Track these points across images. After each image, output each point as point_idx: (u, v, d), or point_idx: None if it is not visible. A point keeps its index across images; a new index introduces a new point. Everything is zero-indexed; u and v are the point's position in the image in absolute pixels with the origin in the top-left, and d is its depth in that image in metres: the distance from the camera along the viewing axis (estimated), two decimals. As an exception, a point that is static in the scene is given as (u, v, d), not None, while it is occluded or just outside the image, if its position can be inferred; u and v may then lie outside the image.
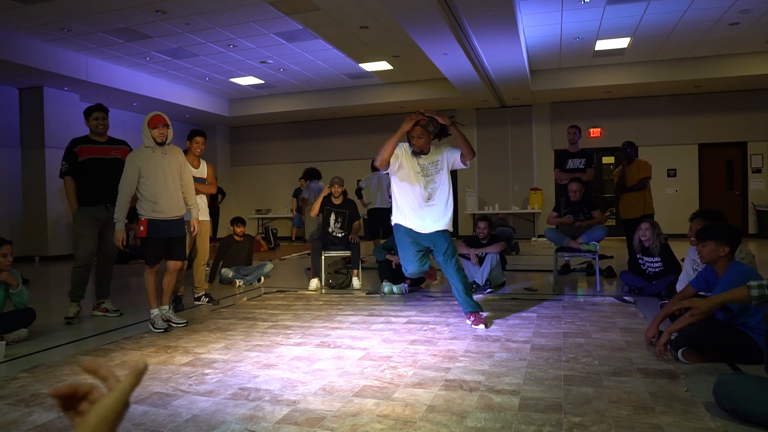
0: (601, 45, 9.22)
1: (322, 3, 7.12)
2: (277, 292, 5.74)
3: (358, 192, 8.59)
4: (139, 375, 0.71)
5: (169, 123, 4.11)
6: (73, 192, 4.53)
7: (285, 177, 14.22)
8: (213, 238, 7.09)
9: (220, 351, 3.37)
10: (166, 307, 4.18)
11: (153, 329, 3.98)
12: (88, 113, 4.65)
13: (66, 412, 0.70)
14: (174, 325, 4.13)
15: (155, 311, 4.03)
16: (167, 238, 4.05)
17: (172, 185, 4.07)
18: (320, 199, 6.01)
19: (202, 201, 5.07)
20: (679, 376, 2.65)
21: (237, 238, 6.51)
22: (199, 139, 4.93)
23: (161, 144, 4.04)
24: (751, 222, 11.33)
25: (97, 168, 4.55)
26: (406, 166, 3.94)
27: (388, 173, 4.05)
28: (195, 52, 9.24)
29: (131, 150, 4.73)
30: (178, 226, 4.12)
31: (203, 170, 5.04)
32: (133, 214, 4.11)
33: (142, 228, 3.97)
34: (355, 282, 5.87)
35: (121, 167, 4.59)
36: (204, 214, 5.04)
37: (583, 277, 6.38)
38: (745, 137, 11.38)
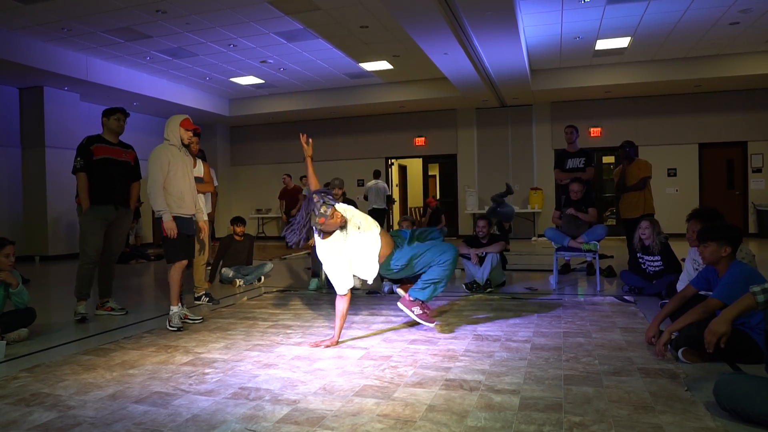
0: (602, 45, 9.22)
1: (323, 2, 7.12)
2: (277, 291, 5.74)
3: (366, 198, 10.98)
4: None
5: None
6: (87, 189, 4.49)
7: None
8: (213, 238, 7.08)
9: (220, 350, 3.37)
10: (177, 305, 4.25)
11: (168, 327, 3.97)
12: (110, 112, 4.65)
13: None
14: (190, 322, 4.19)
15: (175, 309, 4.04)
16: (187, 235, 4.16)
17: (193, 184, 4.21)
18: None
19: (200, 200, 5.06)
20: (679, 375, 2.66)
21: (237, 237, 6.51)
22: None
23: (185, 146, 4.19)
24: (752, 222, 11.33)
25: (110, 168, 4.56)
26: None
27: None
28: (195, 51, 9.24)
29: (136, 155, 4.82)
30: (193, 225, 4.26)
31: (200, 169, 5.06)
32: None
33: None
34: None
35: (130, 171, 4.71)
36: (203, 214, 5.04)
37: (583, 276, 6.38)
38: (745, 137, 11.38)
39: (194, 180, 4.34)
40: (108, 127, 4.65)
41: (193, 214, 4.26)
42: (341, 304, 3.47)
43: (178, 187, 4.05)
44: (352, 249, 3.52)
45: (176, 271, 4.08)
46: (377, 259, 3.59)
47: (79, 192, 4.53)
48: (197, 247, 4.92)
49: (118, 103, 11.20)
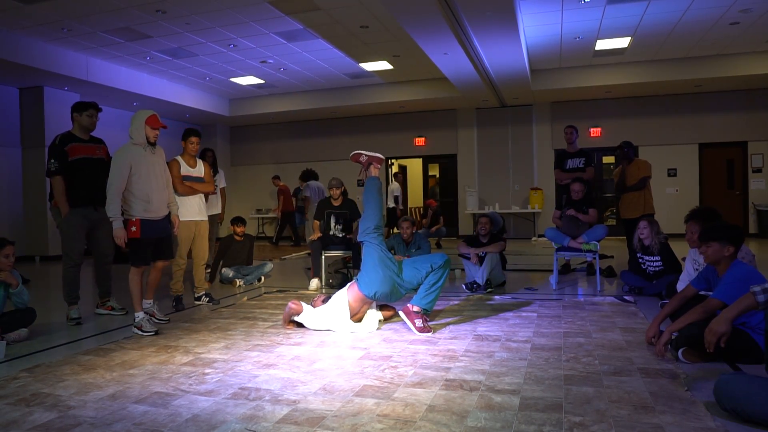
0: (602, 45, 9.22)
1: (322, 3, 7.12)
2: (277, 292, 5.74)
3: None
4: None
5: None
6: (65, 193, 4.33)
7: (285, 177, 14.20)
8: (217, 238, 7.09)
9: (220, 351, 3.37)
10: (151, 301, 4.15)
11: (140, 332, 3.84)
12: (82, 108, 4.45)
13: None
14: (156, 321, 4.10)
15: (141, 314, 3.92)
16: (158, 238, 4.05)
17: (162, 184, 4.07)
18: (317, 231, 5.95)
19: (201, 201, 5.05)
20: (679, 375, 2.65)
21: (237, 237, 6.51)
22: (193, 138, 4.90)
23: (152, 144, 4.03)
24: (752, 222, 11.33)
25: (87, 168, 4.41)
26: None
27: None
28: (195, 51, 9.24)
29: (108, 149, 4.68)
30: (166, 226, 4.14)
31: (200, 169, 5.02)
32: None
33: (134, 229, 3.87)
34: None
35: (106, 167, 4.45)
36: (203, 214, 5.04)
37: (583, 276, 6.38)
38: (745, 137, 11.38)
39: (168, 179, 4.20)
40: (80, 123, 4.48)
41: (165, 216, 4.11)
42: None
43: (143, 189, 3.90)
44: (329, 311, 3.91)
45: (134, 275, 3.96)
46: (348, 310, 3.83)
47: (57, 196, 4.34)
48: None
49: (119, 104, 11.25)
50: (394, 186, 12.07)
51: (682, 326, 2.90)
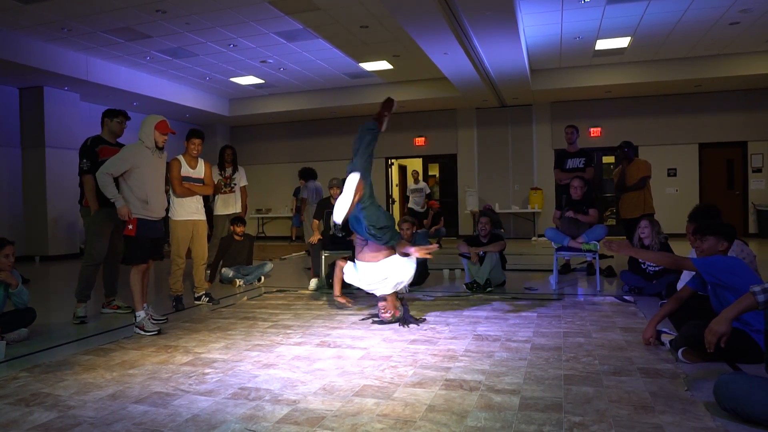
0: (601, 45, 9.21)
1: (322, 2, 7.12)
2: (277, 291, 5.74)
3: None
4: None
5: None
6: (95, 192, 4.44)
7: (285, 177, 14.22)
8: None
9: (220, 351, 3.37)
10: (145, 304, 4.13)
11: (142, 332, 3.86)
12: (113, 114, 4.66)
13: None
14: (155, 321, 4.10)
15: (142, 314, 3.93)
16: (153, 238, 4.12)
17: (162, 187, 4.21)
18: (317, 233, 5.95)
19: (199, 201, 5.04)
20: (679, 375, 2.66)
21: (237, 237, 6.52)
22: (196, 140, 4.93)
23: (159, 148, 4.18)
24: (751, 222, 11.32)
25: None
26: None
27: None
28: (195, 51, 9.24)
29: None
30: (160, 227, 4.25)
31: (201, 170, 5.01)
32: None
33: (131, 227, 3.95)
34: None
35: None
36: (201, 213, 5.03)
37: (583, 276, 6.38)
38: (745, 137, 11.38)
39: (164, 181, 4.35)
40: (109, 128, 4.67)
41: (161, 218, 4.22)
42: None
43: (143, 189, 4.02)
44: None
45: (135, 274, 4.01)
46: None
47: (87, 194, 4.50)
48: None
49: (118, 104, 11.22)
50: (422, 185, 11.98)
51: (667, 312, 3.15)
